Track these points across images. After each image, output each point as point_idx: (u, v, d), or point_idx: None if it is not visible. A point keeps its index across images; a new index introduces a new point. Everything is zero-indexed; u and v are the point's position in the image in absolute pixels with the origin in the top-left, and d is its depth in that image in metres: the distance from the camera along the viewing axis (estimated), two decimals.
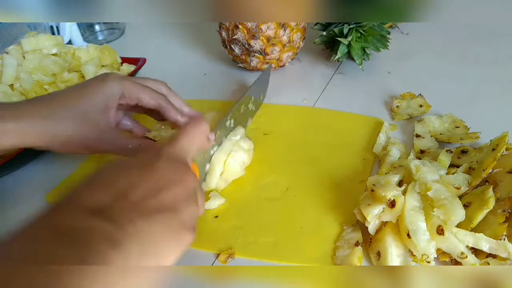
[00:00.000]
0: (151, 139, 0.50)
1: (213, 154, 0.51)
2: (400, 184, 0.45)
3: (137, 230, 0.29)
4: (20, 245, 0.25)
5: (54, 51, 0.69)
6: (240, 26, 0.67)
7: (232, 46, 0.70)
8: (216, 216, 0.49)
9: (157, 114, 0.50)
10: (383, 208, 0.42)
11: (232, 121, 0.54)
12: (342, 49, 0.68)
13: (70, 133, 0.45)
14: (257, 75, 0.63)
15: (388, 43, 0.69)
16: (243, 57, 0.71)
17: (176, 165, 0.35)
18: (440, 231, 0.39)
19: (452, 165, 0.49)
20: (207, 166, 0.51)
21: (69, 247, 0.25)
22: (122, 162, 0.33)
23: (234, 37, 0.69)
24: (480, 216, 0.40)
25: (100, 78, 0.47)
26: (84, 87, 0.47)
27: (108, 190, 0.30)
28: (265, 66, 0.71)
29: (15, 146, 0.44)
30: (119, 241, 0.27)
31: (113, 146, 0.47)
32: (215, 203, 0.50)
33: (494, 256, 0.39)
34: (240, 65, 0.74)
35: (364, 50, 0.68)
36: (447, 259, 0.40)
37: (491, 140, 0.48)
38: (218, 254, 0.45)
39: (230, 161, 0.52)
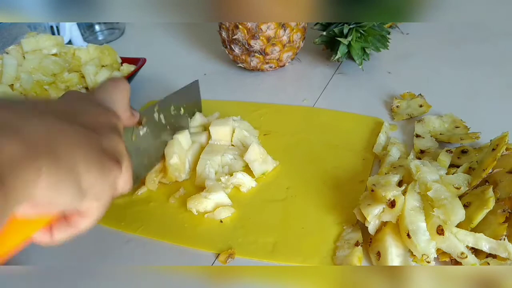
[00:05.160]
0: None
1: (142, 135, 0.49)
2: (400, 184, 0.45)
3: (46, 125, 0.23)
4: None
5: (54, 51, 0.69)
6: (240, 26, 0.67)
7: (232, 46, 0.70)
8: (221, 221, 0.49)
9: None
10: (383, 208, 0.42)
11: (162, 116, 0.53)
12: (342, 49, 0.68)
13: None
14: (257, 75, 0.63)
15: (388, 43, 0.69)
16: (243, 57, 0.71)
17: (98, 106, 0.30)
18: (440, 231, 0.39)
19: (452, 165, 0.49)
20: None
21: None
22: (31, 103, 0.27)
23: (234, 37, 0.69)
24: (480, 216, 0.40)
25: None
26: None
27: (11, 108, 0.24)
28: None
29: None
30: (20, 128, 0.22)
31: None
32: (225, 213, 0.49)
33: (494, 256, 0.39)
34: (240, 65, 0.74)
35: (364, 50, 0.68)
36: (447, 259, 0.40)
37: (491, 140, 0.48)
38: (218, 254, 0.45)
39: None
